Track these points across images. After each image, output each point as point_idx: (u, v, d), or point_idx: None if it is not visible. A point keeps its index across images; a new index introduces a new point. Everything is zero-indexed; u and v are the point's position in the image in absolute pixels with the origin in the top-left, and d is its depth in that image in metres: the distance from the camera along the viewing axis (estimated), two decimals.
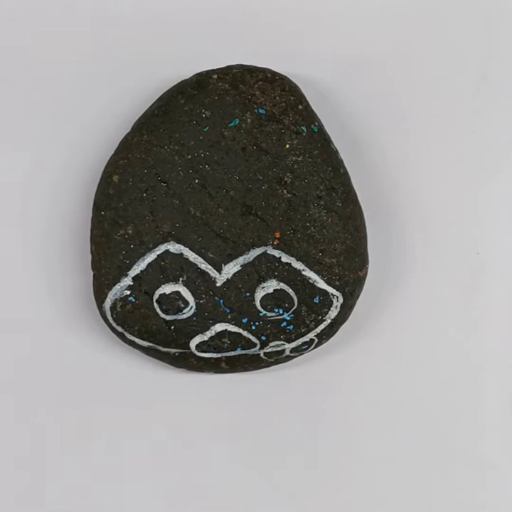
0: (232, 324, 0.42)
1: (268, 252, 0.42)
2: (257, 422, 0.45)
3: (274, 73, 0.43)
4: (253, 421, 0.45)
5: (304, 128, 0.42)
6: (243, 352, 0.43)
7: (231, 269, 0.42)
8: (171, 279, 0.42)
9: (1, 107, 0.46)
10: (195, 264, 0.42)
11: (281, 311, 0.42)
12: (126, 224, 0.42)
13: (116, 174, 0.42)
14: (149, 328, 0.42)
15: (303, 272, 0.42)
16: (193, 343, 0.42)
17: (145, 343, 0.43)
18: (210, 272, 0.42)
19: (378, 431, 0.43)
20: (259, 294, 0.42)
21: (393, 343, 0.46)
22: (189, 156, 0.42)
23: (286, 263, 0.42)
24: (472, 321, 0.46)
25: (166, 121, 0.42)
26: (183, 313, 0.42)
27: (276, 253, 0.42)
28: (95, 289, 0.43)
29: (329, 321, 0.43)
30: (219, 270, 0.42)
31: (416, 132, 0.46)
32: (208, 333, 0.42)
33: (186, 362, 0.43)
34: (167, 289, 0.42)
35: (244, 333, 0.42)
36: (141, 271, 0.42)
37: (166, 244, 0.42)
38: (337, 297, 0.42)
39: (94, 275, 0.43)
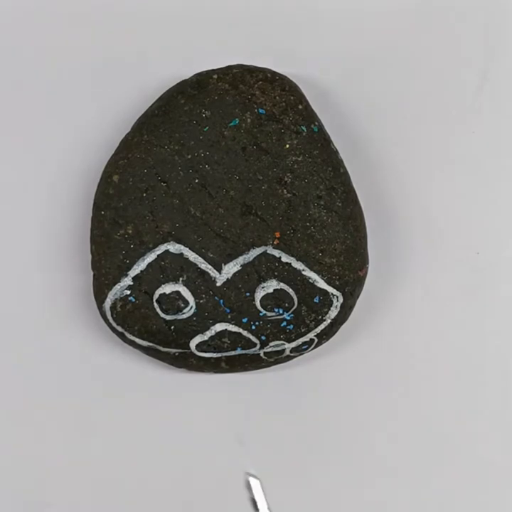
0: (232, 324, 0.42)
1: (268, 251, 0.42)
2: (257, 422, 0.45)
3: (274, 73, 0.43)
4: (253, 421, 0.45)
5: (304, 128, 0.42)
6: (243, 352, 0.43)
7: (231, 268, 0.42)
8: (171, 279, 0.42)
9: (1, 107, 0.46)
10: (195, 264, 0.42)
11: (281, 311, 0.42)
12: (126, 224, 0.42)
13: (116, 174, 0.42)
14: (149, 328, 0.42)
15: (303, 272, 0.42)
16: (193, 342, 0.42)
17: (145, 343, 0.43)
18: (210, 271, 0.42)
19: (378, 431, 0.43)
20: (259, 294, 0.42)
21: (393, 343, 0.46)
22: (189, 156, 0.42)
23: (286, 263, 0.42)
24: (472, 321, 0.46)
25: (166, 121, 0.42)
26: (183, 313, 0.42)
27: (276, 253, 0.42)
28: (95, 288, 0.43)
29: (329, 320, 0.43)
30: (219, 270, 0.42)
31: (416, 132, 0.46)
32: (207, 332, 0.42)
33: (186, 362, 0.43)
34: (167, 288, 0.42)
35: (244, 333, 0.42)
36: (141, 271, 0.42)
37: (166, 244, 0.42)
38: (337, 297, 0.42)
39: (94, 275, 0.43)
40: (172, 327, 0.42)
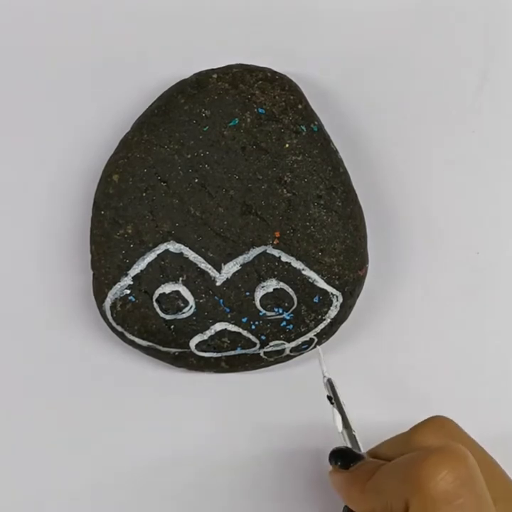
0: (232, 324, 0.42)
1: (268, 251, 0.42)
2: (257, 422, 0.45)
3: (274, 73, 0.43)
4: (253, 420, 0.45)
5: (303, 127, 0.42)
6: (243, 351, 0.43)
7: (231, 268, 0.42)
8: (170, 279, 0.42)
9: (1, 107, 0.46)
10: (195, 264, 0.42)
11: (281, 311, 0.42)
12: (126, 223, 0.42)
13: (116, 173, 0.42)
14: (149, 328, 0.42)
15: (303, 272, 0.42)
16: (193, 342, 0.43)
17: (145, 343, 0.43)
18: (209, 271, 0.42)
19: (378, 430, 0.43)
20: (258, 294, 0.42)
21: (393, 342, 0.46)
22: (189, 156, 0.42)
23: (286, 262, 0.42)
24: (472, 321, 0.46)
25: (165, 120, 0.42)
26: (183, 313, 0.42)
27: (276, 252, 0.42)
28: (95, 288, 0.43)
29: (329, 320, 0.43)
30: (219, 270, 0.42)
31: (416, 132, 0.46)
32: (207, 332, 0.42)
33: (186, 361, 0.43)
34: (167, 288, 0.42)
35: (244, 333, 0.42)
36: (141, 270, 0.42)
37: (165, 244, 0.42)
38: (337, 296, 0.42)
39: (94, 275, 0.43)
40: (172, 327, 0.42)
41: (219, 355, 0.43)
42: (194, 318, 0.42)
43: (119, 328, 0.43)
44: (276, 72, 0.43)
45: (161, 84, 0.43)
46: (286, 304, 0.42)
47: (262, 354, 0.43)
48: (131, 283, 0.42)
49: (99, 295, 0.43)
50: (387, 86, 0.46)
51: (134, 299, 0.42)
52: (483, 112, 0.47)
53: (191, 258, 0.42)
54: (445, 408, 0.43)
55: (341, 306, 0.43)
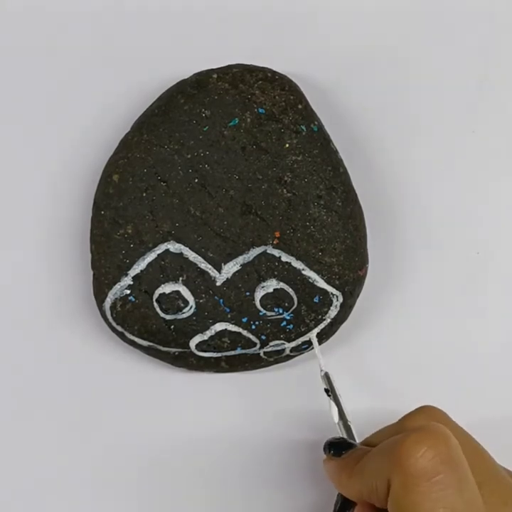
0: (232, 324, 0.42)
1: (268, 251, 0.42)
2: (257, 422, 0.45)
3: (274, 73, 0.43)
4: (253, 420, 0.45)
5: (303, 127, 0.42)
6: (243, 351, 0.43)
7: (231, 268, 0.42)
8: (170, 279, 0.42)
9: (1, 107, 0.46)
10: (195, 264, 0.42)
11: (281, 311, 0.42)
12: (126, 223, 0.42)
13: (116, 173, 0.42)
14: (149, 328, 0.42)
15: (303, 272, 0.42)
16: (193, 342, 0.42)
17: (145, 343, 0.43)
18: (209, 271, 0.42)
19: (376, 426, 0.43)
20: (259, 294, 0.42)
21: (393, 342, 0.46)
22: (189, 156, 0.42)
23: (286, 262, 0.42)
24: (472, 321, 0.46)
25: (165, 120, 0.42)
26: (183, 313, 0.42)
27: (276, 252, 0.42)
28: (95, 288, 0.43)
29: (329, 320, 0.43)
30: (219, 269, 0.42)
31: (416, 131, 0.46)
32: (207, 332, 0.42)
33: (186, 361, 0.43)
34: (167, 288, 0.42)
35: (244, 333, 0.42)
36: (141, 270, 0.42)
37: (165, 244, 0.42)
38: (337, 296, 0.42)
39: (94, 274, 0.43)
40: (172, 327, 0.42)
41: (219, 355, 0.43)
42: (194, 318, 0.42)
43: (119, 328, 0.43)
44: (276, 72, 0.43)
45: (161, 84, 0.43)
46: (286, 304, 0.42)
47: (262, 354, 0.43)
48: (131, 283, 0.42)
49: (99, 295, 0.43)
50: (387, 86, 0.46)
51: (134, 299, 0.42)
52: (483, 112, 0.46)
53: (191, 258, 0.42)
54: (445, 408, 0.43)
55: (341, 306, 0.43)
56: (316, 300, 0.42)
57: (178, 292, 0.42)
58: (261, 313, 0.42)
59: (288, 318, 0.42)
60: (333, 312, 0.43)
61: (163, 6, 0.46)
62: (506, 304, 0.46)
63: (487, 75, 0.46)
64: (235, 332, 0.42)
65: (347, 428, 0.41)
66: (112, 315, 0.42)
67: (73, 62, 0.45)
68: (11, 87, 0.46)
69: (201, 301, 0.42)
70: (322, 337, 0.43)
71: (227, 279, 0.42)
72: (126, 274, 0.42)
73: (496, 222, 0.47)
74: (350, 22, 0.46)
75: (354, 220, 0.43)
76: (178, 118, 0.42)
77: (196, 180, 0.42)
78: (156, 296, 0.42)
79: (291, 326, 0.42)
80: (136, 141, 0.42)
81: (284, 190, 0.42)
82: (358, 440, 0.41)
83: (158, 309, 0.42)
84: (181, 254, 0.42)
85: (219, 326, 0.42)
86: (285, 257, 0.42)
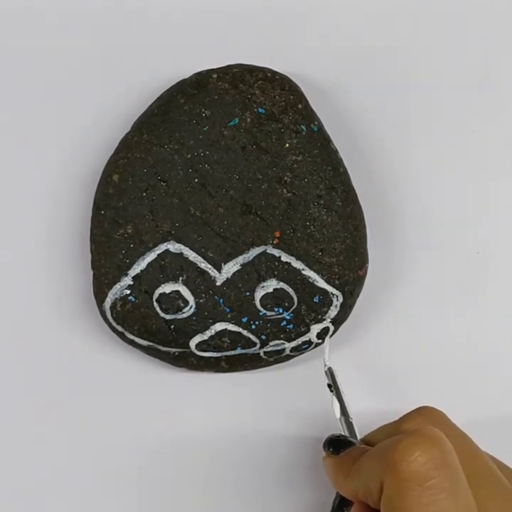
0: (232, 323, 0.42)
1: (268, 251, 0.42)
2: (257, 422, 0.45)
3: (274, 72, 0.43)
4: (253, 420, 0.45)
5: (303, 127, 0.42)
6: (243, 351, 0.43)
7: (231, 268, 0.42)
8: (170, 279, 0.42)
9: (1, 107, 0.46)
10: (195, 264, 0.42)
11: (281, 311, 0.42)
12: (126, 223, 0.42)
13: (116, 173, 0.42)
14: (149, 328, 0.42)
15: (303, 271, 0.42)
16: (193, 342, 0.42)
17: (145, 343, 0.43)
18: (209, 271, 0.42)
19: (376, 424, 0.43)
20: (259, 293, 0.42)
21: (393, 342, 0.46)
22: (189, 156, 0.42)
23: (286, 262, 0.42)
24: (473, 321, 0.46)
25: (165, 120, 0.42)
26: (183, 313, 0.42)
27: (276, 252, 0.42)
28: (95, 288, 0.43)
29: (329, 320, 0.43)
30: (219, 269, 0.42)
31: (416, 131, 0.46)
32: (207, 332, 0.42)
33: (186, 361, 0.43)
34: (167, 288, 0.42)
35: (244, 333, 0.42)
36: (141, 270, 0.42)
37: (165, 244, 0.42)
38: (337, 296, 0.42)
39: (94, 274, 0.43)
40: (172, 326, 0.42)
41: (219, 355, 0.43)
42: (194, 318, 0.42)
43: (119, 328, 0.43)
44: (276, 72, 0.43)
45: (161, 84, 0.43)
46: (286, 304, 0.42)
47: (262, 354, 0.43)
48: (131, 283, 0.42)
49: (99, 295, 0.43)
50: (387, 86, 0.46)
51: (134, 299, 0.42)
52: (483, 112, 0.47)
53: (191, 258, 0.42)
54: (445, 408, 0.43)
55: (341, 305, 0.43)
56: (316, 300, 0.42)
57: (178, 292, 0.42)
58: (261, 313, 0.42)
59: (288, 318, 0.42)
60: (333, 312, 0.43)
61: (163, 6, 0.46)
62: (506, 304, 0.46)
63: (487, 75, 0.46)
64: (235, 332, 0.42)
65: (349, 424, 0.41)
66: (112, 315, 0.42)
67: (73, 62, 0.45)
68: (11, 87, 0.46)
69: (201, 300, 0.42)
70: (322, 337, 0.43)
71: (227, 278, 0.42)
72: (126, 274, 0.42)
73: (496, 222, 0.47)
74: (350, 22, 0.46)
75: (354, 220, 0.43)
76: (178, 118, 0.42)
77: (196, 180, 0.42)
78: (156, 296, 0.42)
79: (291, 326, 0.42)
80: (136, 141, 0.42)
81: (284, 190, 0.42)
82: (359, 436, 0.41)
83: (158, 309, 0.42)
84: (181, 254, 0.42)
85: (219, 326, 0.42)
86: (285, 257, 0.42)
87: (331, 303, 0.42)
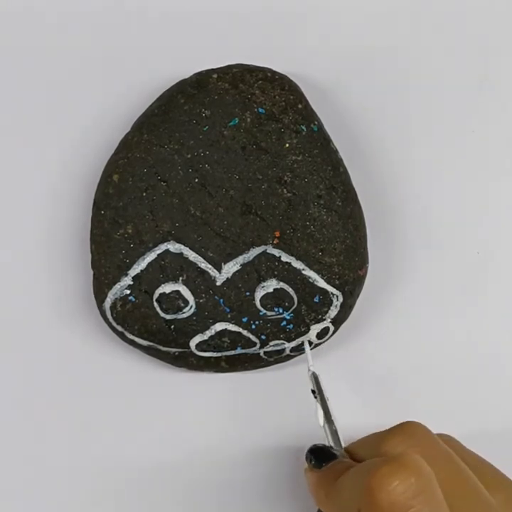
0: (232, 323, 0.42)
1: (268, 251, 0.42)
2: (257, 422, 0.45)
3: (274, 72, 0.43)
4: (253, 420, 0.45)
5: (303, 127, 0.42)
6: (243, 351, 0.43)
7: (231, 268, 0.42)
8: (170, 279, 0.42)
9: (1, 107, 0.46)
10: (195, 264, 0.42)
11: (281, 310, 0.42)
12: (126, 223, 0.42)
13: (116, 173, 0.42)
14: (149, 328, 0.42)
15: (303, 271, 0.42)
16: (193, 342, 0.42)
17: (145, 343, 0.43)
18: (209, 271, 0.42)
19: (377, 429, 0.43)
20: (259, 293, 0.42)
21: (393, 342, 0.46)
22: (189, 156, 0.42)
23: (286, 262, 0.42)
24: (473, 321, 0.46)
25: (165, 120, 0.42)
26: (183, 313, 0.42)
27: (276, 252, 0.42)
28: (95, 288, 0.43)
29: (329, 320, 0.43)
30: (219, 269, 0.42)
31: (416, 131, 0.46)
32: (207, 332, 0.42)
33: (186, 361, 0.43)
34: (167, 288, 0.42)
35: (244, 333, 0.42)
36: (141, 270, 0.42)
37: (165, 244, 0.42)
38: (337, 296, 0.42)
39: (94, 274, 0.43)
40: (172, 326, 0.42)
41: (219, 354, 0.43)
42: (194, 318, 0.42)
43: (119, 328, 0.43)
44: (276, 72, 0.43)
45: (161, 84, 0.43)
46: (286, 304, 0.42)
47: (262, 354, 0.43)
48: (131, 283, 0.42)
49: (99, 295, 0.43)
50: (387, 86, 0.46)
51: (134, 299, 0.42)
52: (483, 112, 0.47)
53: (191, 258, 0.42)
54: (445, 408, 0.43)
55: (341, 305, 0.43)
56: (316, 300, 0.42)
57: (178, 292, 0.42)
58: (261, 313, 0.42)
59: (288, 318, 0.42)
60: (333, 312, 0.43)
61: (163, 6, 0.46)
62: (506, 304, 0.47)
63: (487, 75, 0.46)
64: (235, 332, 0.42)
65: (333, 433, 0.40)
66: (112, 315, 0.42)
67: (73, 62, 0.45)
68: (11, 87, 0.46)
69: (201, 300, 0.42)
70: (322, 337, 0.43)
71: (227, 278, 0.42)
72: (126, 274, 0.42)
73: (496, 222, 0.47)
74: (350, 22, 0.46)
75: (354, 220, 0.43)
76: (178, 118, 0.42)
77: (196, 180, 0.42)
78: (156, 296, 0.42)
79: (291, 326, 0.42)
80: (136, 141, 0.42)
81: (284, 190, 0.42)
82: (344, 445, 0.40)
83: (158, 309, 0.42)
84: (181, 254, 0.42)
85: (219, 326, 0.42)
86: (285, 257, 0.42)
87: (331, 303, 0.42)
